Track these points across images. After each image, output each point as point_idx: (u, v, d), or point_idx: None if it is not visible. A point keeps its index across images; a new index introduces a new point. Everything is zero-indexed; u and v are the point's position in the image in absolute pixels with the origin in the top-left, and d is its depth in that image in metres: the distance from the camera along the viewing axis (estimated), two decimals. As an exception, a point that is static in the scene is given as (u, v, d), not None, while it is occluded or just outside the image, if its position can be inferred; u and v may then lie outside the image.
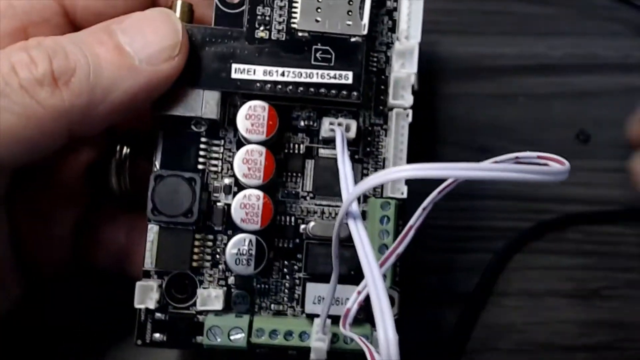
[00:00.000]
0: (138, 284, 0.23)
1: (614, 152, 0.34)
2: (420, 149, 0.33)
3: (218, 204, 0.24)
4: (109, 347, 0.28)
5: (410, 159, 0.32)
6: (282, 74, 0.23)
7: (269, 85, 0.23)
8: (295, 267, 0.24)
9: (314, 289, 0.23)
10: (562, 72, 0.34)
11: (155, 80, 0.21)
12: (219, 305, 0.23)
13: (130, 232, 0.25)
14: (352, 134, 0.24)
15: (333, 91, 0.23)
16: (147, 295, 0.23)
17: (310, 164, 0.24)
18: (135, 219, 0.25)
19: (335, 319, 0.23)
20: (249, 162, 0.23)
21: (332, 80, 0.23)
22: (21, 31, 0.22)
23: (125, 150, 0.26)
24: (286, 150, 0.24)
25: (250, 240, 0.23)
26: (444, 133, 0.33)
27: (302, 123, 0.24)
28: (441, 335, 0.30)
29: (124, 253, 0.25)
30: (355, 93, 0.23)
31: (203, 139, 0.24)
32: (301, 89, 0.23)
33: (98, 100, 0.20)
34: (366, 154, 0.24)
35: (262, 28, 0.23)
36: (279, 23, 0.23)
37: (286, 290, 0.24)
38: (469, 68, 0.33)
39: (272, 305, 0.24)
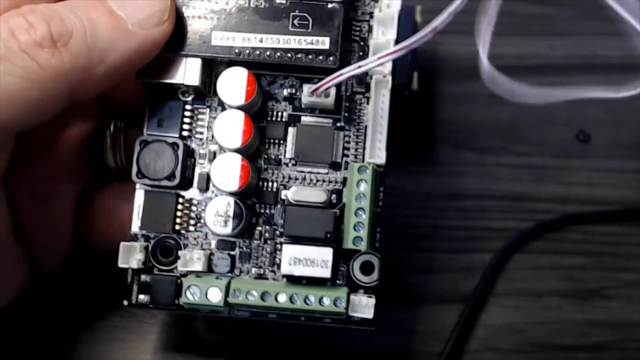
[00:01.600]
0: (122, 244, 0.24)
1: (614, 152, 0.33)
2: (419, 148, 0.33)
3: (203, 169, 0.24)
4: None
5: (409, 159, 0.33)
6: (261, 40, 0.23)
7: (247, 51, 0.23)
8: (277, 232, 0.24)
9: (290, 251, 0.23)
10: (562, 72, 0.34)
11: (148, 44, 0.22)
12: (200, 267, 0.23)
13: (131, 201, 0.26)
14: (331, 99, 0.24)
15: (310, 56, 0.23)
16: (131, 255, 0.24)
17: (292, 131, 0.24)
18: (133, 189, 0.26)
19: (309, 281, 0.23)
20: (226, 126, 0.23)
21: (309, 46, 0.23)
22: (16, 7, 0.23)
23: (119, 124, 0.27)
24: (269, 118, 0.25)
25: (229, 202, 0.23)
26: (444, 133, 0.34)
27: (285, 92, 0.25)
28: (440, 335, 0.29)
29: (127, 223, 0.26)
30: (331, 58, 0.23)
31: (188, 107, 0.24)
32: (279, 54, 0.23)
33: (96, 62, 0.21)
34: (348, 121, 0.24)
35: (241, -4, 0.24)
36: (258, -9, 0.24)
37: (267, 255, 0.24)
38: (469, 68, 0.32)
39: (253, 269, 0.24)
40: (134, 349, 0.28)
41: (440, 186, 0.32)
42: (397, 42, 0.24)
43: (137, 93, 0.25)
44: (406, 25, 0.29)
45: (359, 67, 0.22)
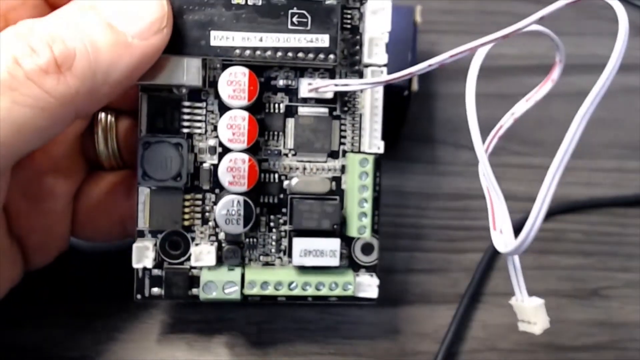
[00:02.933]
0: (134, 245, 0.24)
1: (613, 152, 0.34)
2: (419, 148, 0.34)
3: (204, 164, 0.25)
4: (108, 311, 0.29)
5: (409, 159, 0.33)
6: (260, 40, 0.23)
7: (247, 52, 0.23)
8: (281, 220, 0.25)
9: (300, 243, 0.24)
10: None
11: (149, 53, 0.21)
12: (211, 261, 0.25)
13: (129, 194, 0.26)
14: (330, 93, 0.25)
15: (310, 55, 0.24)
16: (143, 255, 0.24)
17: (290, 123, 0.25)
18: (131, 180, 0.26)
19: (319, 269, 0.25)
20: (232, 127, 0.23)
21: (309, 44, 0.23)
22: (1, 17, 0.22)
23: (109, 117, 0.26)
24: (267, 110, 0.25)
25: (239, 201, 0.24)
26: (444, 133, 0.34)
27: (280, 83, 0.25)
28: (440, 335, 0.29)
29: (127, 216, 0.26)
30: (332, 56, 0.24)
31: (185, 103, 0.24)
32: (279, 53, 0.23)
33: (100, 82, 0.20)
34: (344, 111, 0.25)
35: (238, -6, 0.23)
36: (255, -11, 0.23)
37: (273, 243, 0.25)
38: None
39: (261, 257, 0.25)
40: (136, 349, 0.28)
41: (440, 186, 0.33)
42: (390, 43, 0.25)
43: (129, 90, 0.25)
44: (405, 25, 0.30)
45: (346, 85, 0.24)
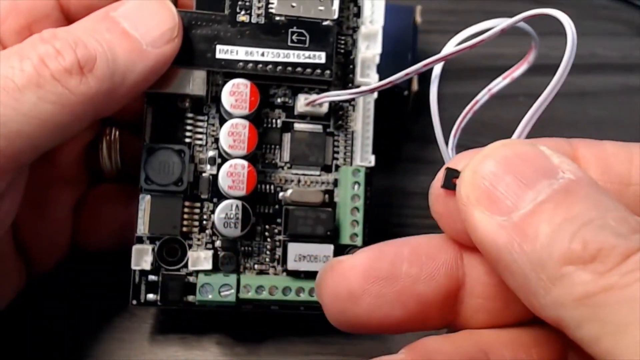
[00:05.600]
0: (134, 247, 0.25)
1: None
2: (419, 149, 0.34)
3: (204, 174, 0.26)
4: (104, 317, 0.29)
5: (409, 159, 0.34)
6: (262, 54, 0.25)
7: (250, 65, 0.25)
8: (276, 230, 0.26)
9: (294, 248, 0.25)
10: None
11: (161, 60, 0.23)
12: (208, 266, 0.25)
13: (129, 204, 0.27)
14: (325, 109, 0.26)
15: (308, 70, 0.25)
16: (142, 258, 0.25)
17: (287, 137, 0.27)
18: (131, 192, 0.27)
19: (309, 274, 0.26)
20: (234, 134, 0.25)
21: (307, 60, 0.25)
22: (26, 28, 0.23)
23: (115, 131, 0.28)
24: (265, 125, 0.26)
25: (237, 206, 0.25)
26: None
27: (278, 100, 0.27)
28: (438, 331, 0.29)
29: (126, 225, 0.27)
30: (327, 72, 0.25)
31: (189, 115, 0.26)
32: (279, 68, 0.25)
33: (118, 84, 0.22)
34: (337, 127, 0.27)
35: (243, 12, 0.25)
36: (259, 8, 0.25)
37: (268, 252, 0.26)
38: (469, 68, 0.32)
39: (256, 265, 0.26)
40: (134, 349, 0.28)
41: (441, 186, 0.34)
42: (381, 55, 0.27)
43: (135, 102, 0.26)
44: (405, 25, 0.32)
45: (337, 95, 0.25)
